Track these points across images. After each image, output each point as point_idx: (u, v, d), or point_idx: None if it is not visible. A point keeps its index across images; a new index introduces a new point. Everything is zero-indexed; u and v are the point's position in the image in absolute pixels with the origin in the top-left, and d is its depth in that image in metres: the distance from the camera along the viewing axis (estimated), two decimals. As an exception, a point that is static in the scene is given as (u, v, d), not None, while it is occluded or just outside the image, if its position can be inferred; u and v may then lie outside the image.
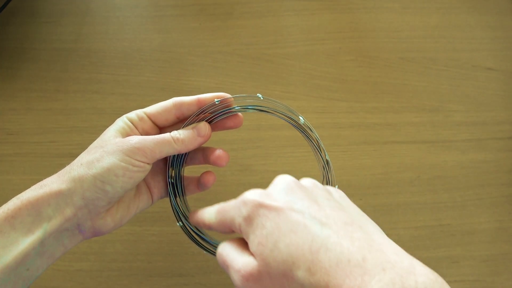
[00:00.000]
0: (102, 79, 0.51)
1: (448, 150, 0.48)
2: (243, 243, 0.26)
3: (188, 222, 0.33)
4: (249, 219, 0.24)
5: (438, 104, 0.50)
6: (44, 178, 0.29)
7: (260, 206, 0.24)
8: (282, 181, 0.26)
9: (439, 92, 0.51)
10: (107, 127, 0.32)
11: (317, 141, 0.33)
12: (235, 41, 0.53)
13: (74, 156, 0.30)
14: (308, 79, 0.51)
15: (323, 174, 0.32)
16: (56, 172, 0.29)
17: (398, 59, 0.53)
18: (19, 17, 0.54)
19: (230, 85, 0.50)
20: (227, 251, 0.25)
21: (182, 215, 0.33)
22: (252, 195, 0.25)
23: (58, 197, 0.27)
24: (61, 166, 0.30)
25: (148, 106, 0.33)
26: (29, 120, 0.48)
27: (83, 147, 0.31)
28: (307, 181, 0.27)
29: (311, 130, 0.33)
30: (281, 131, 0.48)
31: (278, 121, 0.47)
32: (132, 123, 0.31)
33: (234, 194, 0.45)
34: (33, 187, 0.27)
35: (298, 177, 0.46)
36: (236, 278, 0.23)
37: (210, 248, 0.33)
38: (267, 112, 0.33)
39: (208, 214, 0.29)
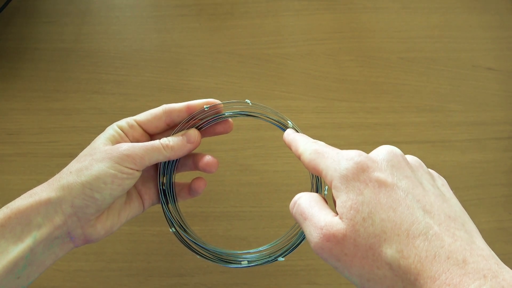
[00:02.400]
0: (102, 79, 0.51)
1: (448, 150, 0.48)
2: (323, 199, 0.25)
3: (182, 228, 0.33)
4: (346, 179, 0.22)
5: (438, 104, 0.50)
6: (44, 178, 0.29)
7: (363, 170, 0.22)
8: (389, 151, 0.24)
9: (439, 92, 0.51)
10: (107, 127, 0.32)
11: None
12: (235, 41, 0.53)
13: (74, 156, 0.30)
14: (308, 79, 0.51)
15: (311, 174, 0.32)
16: (55, 172, 0.29)
17: (398, 59, 0.53)
18: (19, 17, 0.54)
19: (230, 85, 0.50)
20: (307, 204, 0.24)
21: (175, 222, 0.33)
22: (357, 156, 0.23)
23: (48, 205, 0.27)
24: (61, 166, 0.30)
25: (148, 106, 0.33)
26: (29, 120, 0.48)
27: (83, 147, 0.31)
28: (413, 159, 0.25)
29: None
30: (281, 131, 0.48)
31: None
32: (122, 130, 0.31)
33: (234, 194, 0.45)
34: (22, 196, 0.28)
35: (298, 177, 0.46)
36: (315, 234, 0.22)
37: (203, 252, 0.33)
38: (256, 117, 0.33)
39: (306, 145, 0.28)
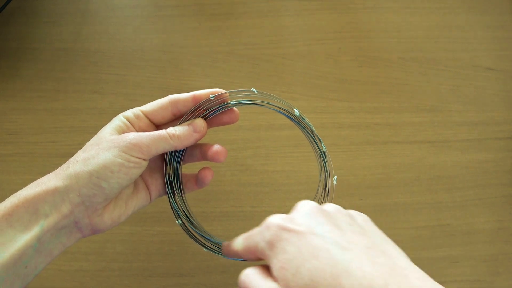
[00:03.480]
0: (102, 79, 0.51)
1: (448, 150, 0.48)
2: (267, 270, 0.26)
3: (189, 220, 0.33)
4: (271, 244, 0.24)
5: (438, 104, 0.50)
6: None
7: (282, 229, 0.24)
8: (305, 206, 0.26)
9: (439, 92, 0.51)
10: (114, 118, 0.32)
11: (312, 132, 0.33)
12: (235, 41, 0.53)
13: (74, 156, 0.30)
14: (308, 79, 0.51)
15: (320, 165, 0.32)
16: None
17: (398, 59, 0.53)
18: (19, 17, 0.54)
19: (230, 85, 0.50)
20: (250, 277, 0.25)
21: (182, 213, 0.33)
22: (275, 219, 0.25)
23: (55, 194, 0.27)
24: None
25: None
26: (29, 120, 0.48)
27: (83, 147, 0.31)
28: (330, 206, 0.27)
29: (306, 122, 0.33)
30: (281, 131, 0.48)
31: (278, 121, 0.47)
32: (128, 121, 0.32)
33: (234, 194, 0.45)
34: (30, 185, 0.28)
35: (298, 177, 0.46)
36: None
37: (210, 245, 0.33)
38: (262, 105, 0.33)
39: (237, 242, 0.29)
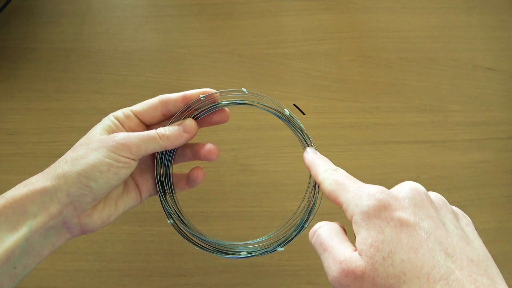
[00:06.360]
0: (102, 79, 0.51)
1: (448, 150, 0.48)
2: (343, 230, 0.25)
3: (180, 219, 0.33)
4: (368, 216, 0.22)
5: (438, 104, 0.50)
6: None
7: (384, 208, 0.22)
8: (412, 189, 0.24)
9: (439, 92, 0.51)
10: (103, 118, 0.32)
11: (301, 131, 0.33)
12: (235, 41, 0.53)
13: (74, 156, 0.30)
14: (308, 79, 0.51)
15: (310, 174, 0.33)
16: None
17: (398, 59, 0.53)
18: (19, 17, 0.54)
19: (230, 85, 0.50)
20: (329, 235, 0.24)
21: (174, 212, 0.33)
22: (379, 193, 0.23)
23: (43, 194, 0.27)
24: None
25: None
26: (29, 120, 0.48)
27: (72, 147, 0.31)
28: (436, 197, 0.25)
29: (296, 121, 0.33)
30: (281, 131, 0.48)
31: (278, 121, 0.47)
32: (118, 121, 0.32)
33: (234, 194, 0.45)
34: (18, 186, 0.28)
35: (298, 177, 0.46)
36: (334, 268, 0.22)
37: (202, 244, 0.33)
38: (253, 105, 0.33)
39: (326, 173, 0.27)
